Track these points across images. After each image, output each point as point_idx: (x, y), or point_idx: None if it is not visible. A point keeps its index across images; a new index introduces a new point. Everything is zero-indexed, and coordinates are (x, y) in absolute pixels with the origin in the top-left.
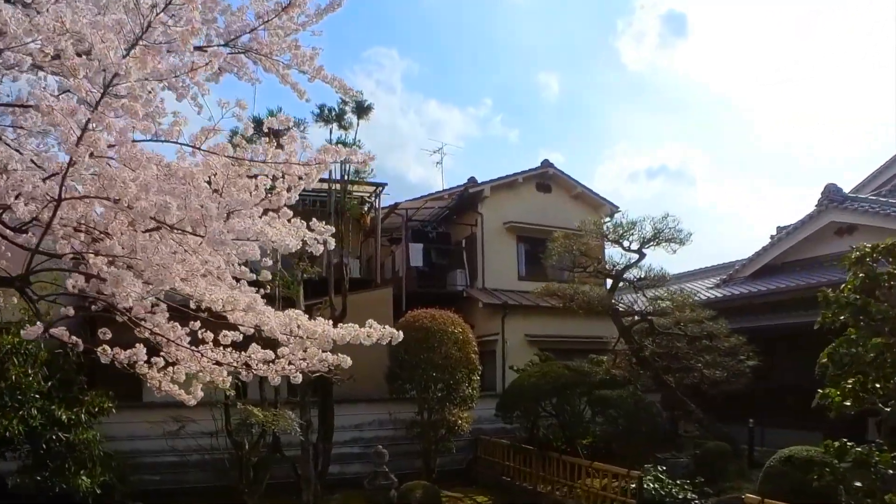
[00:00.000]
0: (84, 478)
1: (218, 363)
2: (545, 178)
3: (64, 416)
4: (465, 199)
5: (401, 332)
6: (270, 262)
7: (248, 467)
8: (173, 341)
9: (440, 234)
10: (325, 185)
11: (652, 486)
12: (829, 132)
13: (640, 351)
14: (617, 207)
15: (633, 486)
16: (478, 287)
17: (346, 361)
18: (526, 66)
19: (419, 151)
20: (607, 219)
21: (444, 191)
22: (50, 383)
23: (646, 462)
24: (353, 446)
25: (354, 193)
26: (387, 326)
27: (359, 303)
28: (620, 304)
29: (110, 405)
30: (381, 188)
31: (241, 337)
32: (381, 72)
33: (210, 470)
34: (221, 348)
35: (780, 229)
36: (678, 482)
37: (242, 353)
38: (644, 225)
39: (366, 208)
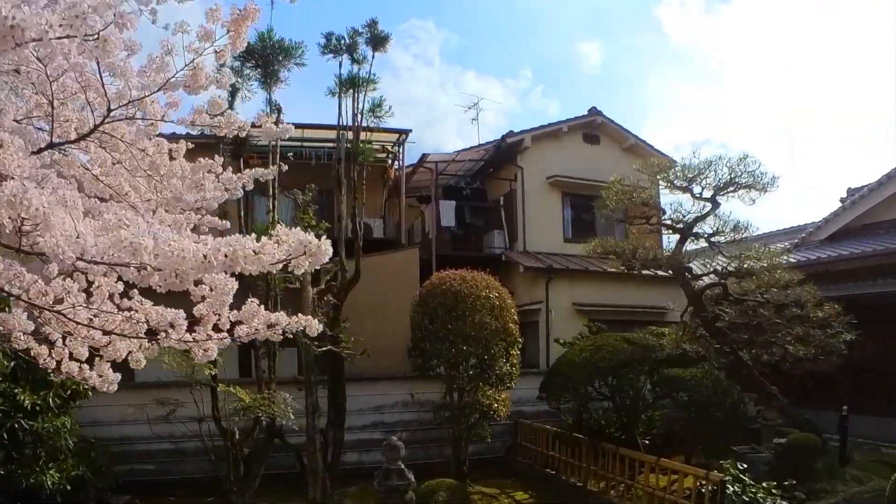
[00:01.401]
0: (52, 472)
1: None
2: (593, 128)
3: (27, 402)
4: (503, 151)
5: (328, 245)
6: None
7: (239, 460)
8: (22, 299)
9: (475, 190)
10: (336, 134)
11: (732, 488)
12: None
13: (716, 320)
14: (675, 162)
15: (712, 488)
16: (518, 250)
17: (312, 326)
18: (566, 36)
19: (459, 126)
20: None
21: (479, 145)
22: (14, 363)
23: (718, 455)
24: (372, 431)
25: (374, 143)
26: (298, 230)
27: (380, 266)
28: (693, 264)
29: (86, 387)
30: (404, 136)
31: (120, 286)
32: (418, 45)
33: (208, 459)
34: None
35: (851, 191)
36: (763, 484)
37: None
38: (719, 166)
39: (389, 161)
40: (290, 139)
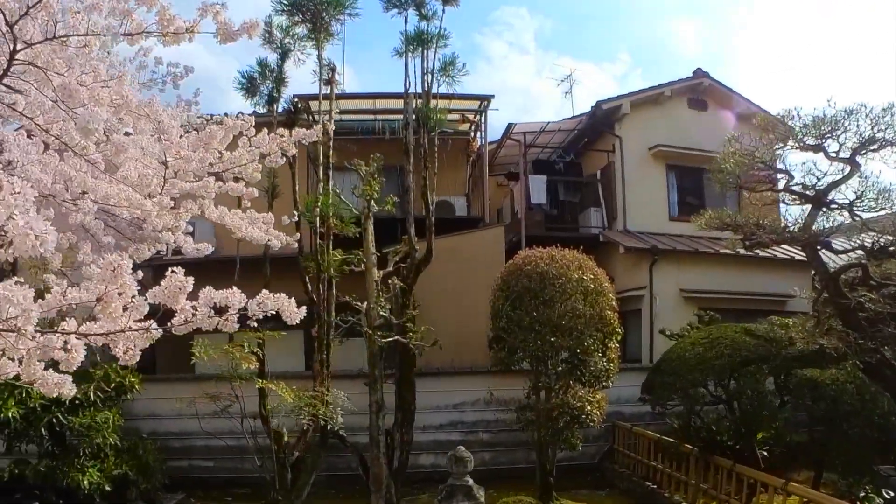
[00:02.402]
0: (92, 471)
1: None
2: (698, 92)
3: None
4: (599, 119)
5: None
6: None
7: (286, 464)
8: None
9: (569, 164)
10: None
11: None
12: None
13: (859, 310)
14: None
15: None
16: (617, 229)
17: (286, 306)
18: (663, 15)
19: (556, 113)
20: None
21: (573, 117)
22: None
23: (855, 475)
24: (450, 431)
25: (452, 111)
26: None
27: (460, 248)
28: (834, 241)
29: (133, 379)
30: (486, 102)
31: None
32: (512, 32)
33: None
34: None
35: None
36: None
37: None
38: (860, 118)
39: (471, 133)
40: (360, 111)
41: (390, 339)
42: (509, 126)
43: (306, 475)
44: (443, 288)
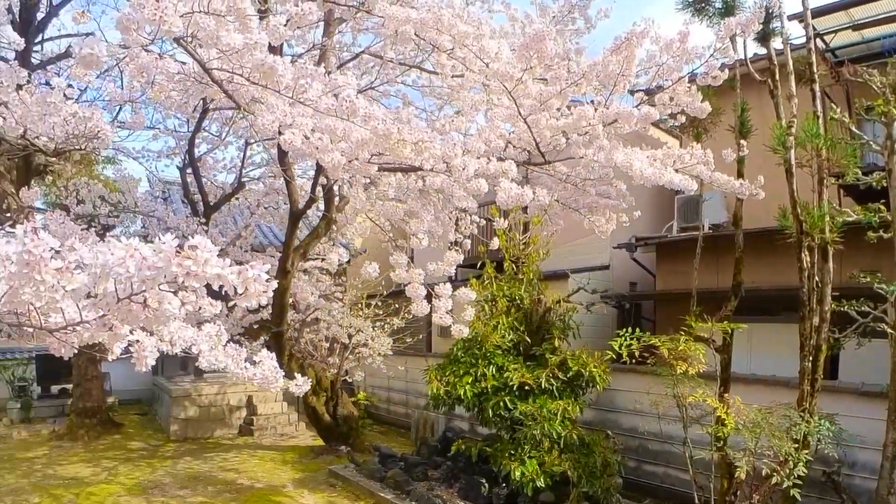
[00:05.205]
0: (530, 462)
1: None
2: None
3: (514, 380)
4: None
5: None
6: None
7: None
8: None
9: None
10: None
11: None
12: None
13: None
14: None
15: None
16: None
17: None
18: None
19: None
20: None
21: None
22: (517, 331)
23: None
24: None
25: None
26: None
27: None
28: None
29: (594, 369)
30: None
31: None
32: None
33: None
34: None
35: None
36: None
37: None
38: None
39: None
40: (888, 18)
41: None
42: None
43: None
44: None
